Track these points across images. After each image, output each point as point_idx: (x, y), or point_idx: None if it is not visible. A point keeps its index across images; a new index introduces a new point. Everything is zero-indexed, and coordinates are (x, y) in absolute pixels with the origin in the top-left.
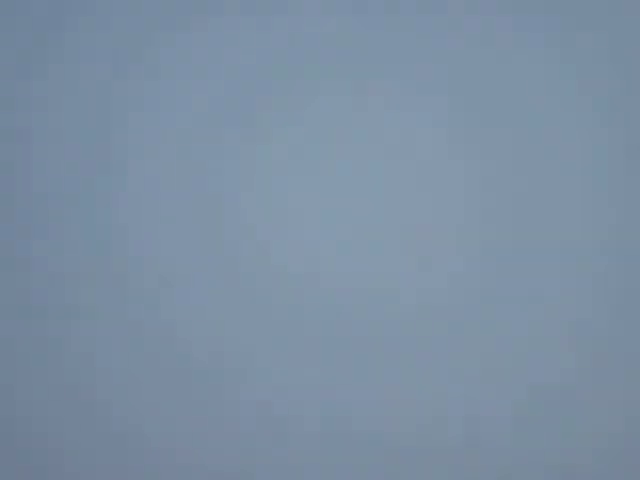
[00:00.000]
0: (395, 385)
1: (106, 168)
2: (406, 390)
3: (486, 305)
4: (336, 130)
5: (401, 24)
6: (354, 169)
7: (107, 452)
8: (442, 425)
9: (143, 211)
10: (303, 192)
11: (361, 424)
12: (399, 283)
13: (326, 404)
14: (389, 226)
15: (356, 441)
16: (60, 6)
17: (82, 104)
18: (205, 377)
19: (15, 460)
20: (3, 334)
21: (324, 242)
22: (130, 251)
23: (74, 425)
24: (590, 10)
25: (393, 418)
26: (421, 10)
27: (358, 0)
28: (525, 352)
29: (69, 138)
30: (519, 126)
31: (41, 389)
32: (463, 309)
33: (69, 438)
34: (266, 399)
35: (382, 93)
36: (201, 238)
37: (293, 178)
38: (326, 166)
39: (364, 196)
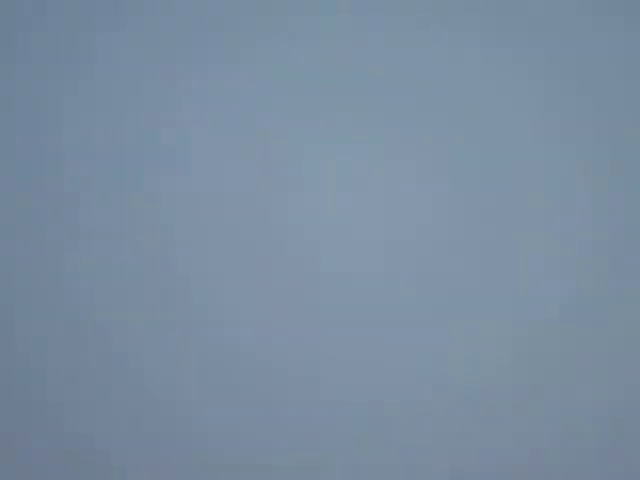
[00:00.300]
0: (396, 384)
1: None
2: (404, 389)
3: (485, 304)
4: (342, 134)
5: (402, 24)
6: (360, 173)
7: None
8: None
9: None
10: (343, 201)
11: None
12: (404, 282)
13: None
14: (392, 228)
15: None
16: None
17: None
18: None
19: (14, 396)
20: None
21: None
22: (176, 255)
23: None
24: (590, 11)
25: (392, 403)
26: (421, 10)
27: (358, 0)
28: (524, 351)
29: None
30: (519, 126)
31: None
32: (461, 306)
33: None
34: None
35: (382, 94)
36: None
37: (334, 185)
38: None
39: (365, 198)
